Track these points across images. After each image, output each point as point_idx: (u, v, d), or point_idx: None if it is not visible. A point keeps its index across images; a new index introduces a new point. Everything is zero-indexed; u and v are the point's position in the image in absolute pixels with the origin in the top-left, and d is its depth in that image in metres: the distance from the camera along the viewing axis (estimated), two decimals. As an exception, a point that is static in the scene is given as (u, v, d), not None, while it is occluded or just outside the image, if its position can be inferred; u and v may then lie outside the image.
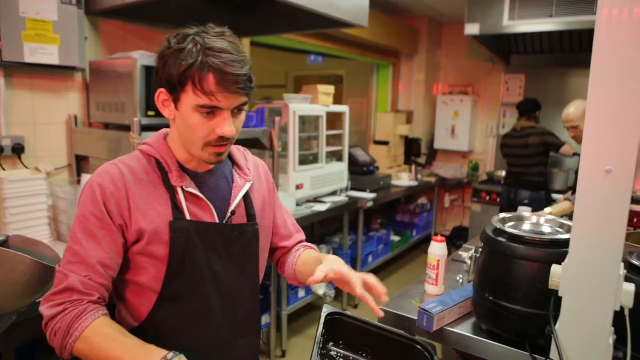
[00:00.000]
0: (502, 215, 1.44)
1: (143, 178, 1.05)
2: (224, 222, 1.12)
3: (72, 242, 0.99)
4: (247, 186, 1.17)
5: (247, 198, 1.17)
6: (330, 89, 3.57)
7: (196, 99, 0.97)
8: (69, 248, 1.00)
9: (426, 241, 5.49)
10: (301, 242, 1.38)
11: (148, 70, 2.05)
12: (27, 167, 2.22)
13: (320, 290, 3.38)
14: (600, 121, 0.97)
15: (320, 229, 4.34)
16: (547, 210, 2.71)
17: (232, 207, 1.13)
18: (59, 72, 2.28)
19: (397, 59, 5.52)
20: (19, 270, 1.24)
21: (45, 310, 0.96)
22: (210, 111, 0.99)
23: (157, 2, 2.11)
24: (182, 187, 1.06)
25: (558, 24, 3.29)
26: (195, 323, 1.08)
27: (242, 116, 1.06)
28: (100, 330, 0.94)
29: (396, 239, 4.78)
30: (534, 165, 4.04)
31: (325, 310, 1.20)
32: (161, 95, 1.04)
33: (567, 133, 3.04)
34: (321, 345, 1.12)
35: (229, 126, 1.00)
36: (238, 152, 1.24)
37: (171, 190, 1.05)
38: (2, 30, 1.98)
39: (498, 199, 4.73)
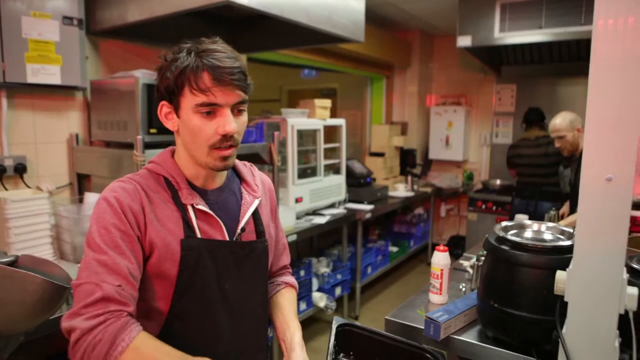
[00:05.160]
0: (504, 223, 1.47)
1: (154, 196, 1.04)
2: (234, 239, 1.12)
3: (95, 253, 0.94)
4: (256, 203, 1.17)
5: (255, 214, 1.17)
6: (327, 102, 3.62)
7: (194, 98, 0.99)
8: (92, 259, 0.94)
9: (423, 251, 5.51)
10: (285, 267, 1.38)
11: (149, 88, 2.07)
12: (28, 187, 2.23)
13: (322, 302, 3.39)
14: (599, 130, 1.00)
15: (319, 241, 4.35)
16: (562, 223, 2.76)
17: (241, 224, 1.13)
18: (60, 91, 2.30)
19: (390, 72, 5.59)
20: (30, 290, 1.25)
21: (80, 322, 0.88)
22: (210, 110, 1.00)
23: (156, 22, 2.15)
24: (192, 205, 1.06)
25: (547, 35, 3.37)
26: (204, 343, 1.06)
27: (244, 117, 1.07)
28: (148, 341, 0.91)
29: (394, 249, 4.80)
30: (552, 175, 3.94)
31: (336, 322, 1.22)
32: (163, 108, 1.06)
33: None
34: (333, 357, 1.13)
35: (230, 123, 1.00)
36: (244, 167, 1.25)
37: (182, 208, 1.05)
38: (5, 51, 2.00)
39: (494, 208, 4.77)
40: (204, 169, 1.08)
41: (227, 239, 1.10)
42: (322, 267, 3.69)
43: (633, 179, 0.97)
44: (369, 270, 4.20)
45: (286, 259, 1.38)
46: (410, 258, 5.29)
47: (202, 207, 1.07)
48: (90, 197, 2.17)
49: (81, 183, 2.43)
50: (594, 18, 1.01)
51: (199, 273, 1.04)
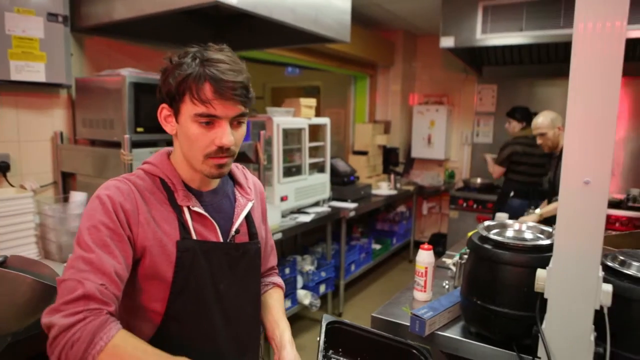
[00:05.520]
0: (487, 222, 1.52)
1: (150, 197, 1.05)
2: (228, 240, 1.13)
3: (83, 251, 0.94)
4: (249, 205, 1.19)
5: (248, 217, 1.20)
6: (312, 101, 3.64)
7: (194, 108, 0.99)
8: (78, 257, 0.94)
9: (405, 248, 5.58)
10: (272, 267, 1.41)
11: (136, 87, 2.07)
12: (12, 185, 2.20)
13: (306, 300, 3.42)
14: (579, 135, 1.05)
15: (303, 239, 4.38)
16: (537, 211, 2.86)
17: (235, 226, 1.15)
18: (45, 89, 2.27)
19: (374, 71, 5.64)
20: (20, 290, 1.25)
21: (59, 319, 0.87)
22: (209, 121, 1.01)
23: (143, 19, 2.14)
24: (188, 207, 1.07)
25: (527, 37, 3.45)
26: (198, 343, 1.08)
27: (242, 129, 1.08)
28: (128, 340, 0.89)
29: (377, 247, 4.86)
30: (546, 174, 3.78)
31: (325, 319, 1.25)
32: (163, 111, 1.07)
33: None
34: (323, 354, 1.16)
35: (227, 136, 1.01)
36: (238, 170, 1.26)
37: (177, 210, 1.06)
38: (-12, 49, 1.97)
39: (474, 206, 4.86)
40: (199, 174, 1.10)
41: (221, 240, 1.12)
42: (307, 264, 3.72)
43: (609, 183, 1.02)
44: (353, 267, 4.25)
45: (273, 260, 1.40)
46: (393, 255, 5.35)
47: (198, 209, 1.08)
48: (76, 196, 2.16)
49: (66, 182, 2.41)
50: (574, 21, 1.04)
51: (194, 274, 1.05)
